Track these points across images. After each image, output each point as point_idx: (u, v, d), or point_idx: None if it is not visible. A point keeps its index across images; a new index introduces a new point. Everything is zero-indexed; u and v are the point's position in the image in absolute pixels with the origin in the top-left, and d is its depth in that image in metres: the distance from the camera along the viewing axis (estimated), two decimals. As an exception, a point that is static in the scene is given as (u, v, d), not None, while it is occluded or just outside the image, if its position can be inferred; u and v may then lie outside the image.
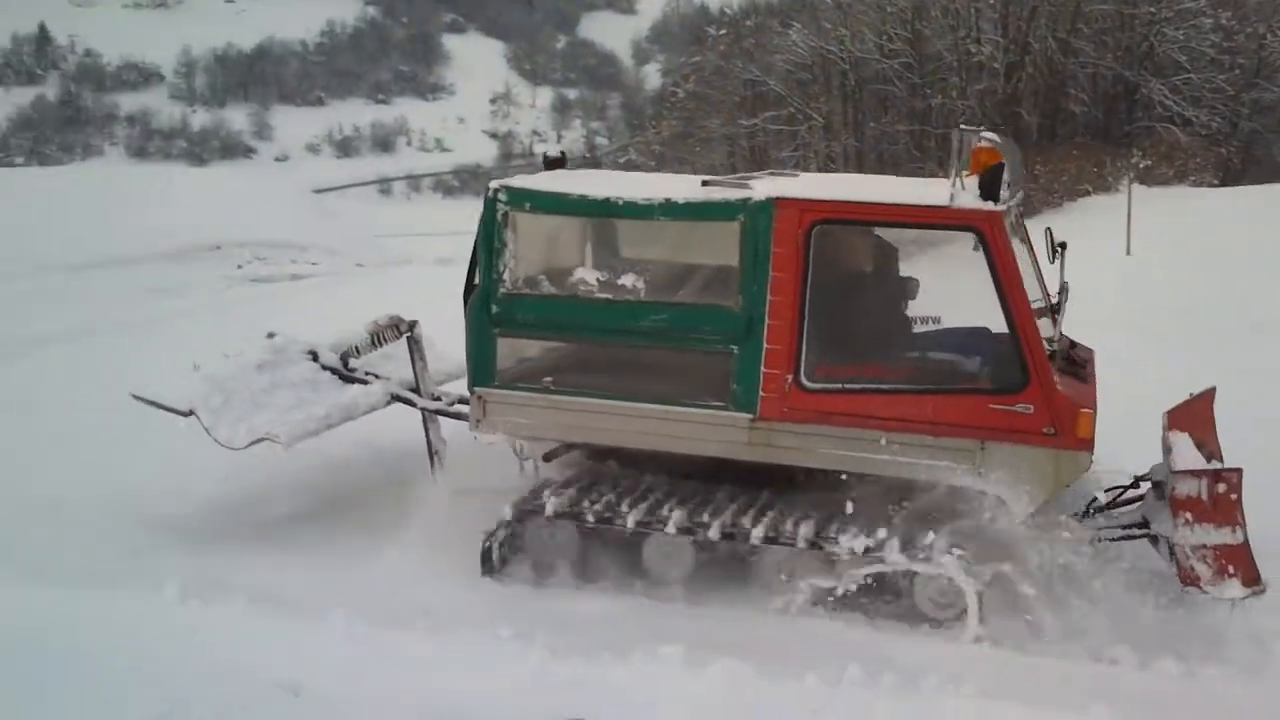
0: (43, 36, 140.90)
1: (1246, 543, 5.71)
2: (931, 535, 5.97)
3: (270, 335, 7.90)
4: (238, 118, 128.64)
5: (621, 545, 6.56)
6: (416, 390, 7.90)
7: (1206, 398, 6.84)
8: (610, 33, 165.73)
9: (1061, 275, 6.66)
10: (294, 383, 7.60)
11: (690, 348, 6.48)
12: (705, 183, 6.72)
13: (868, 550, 5.97)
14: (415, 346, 8.02)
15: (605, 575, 6.54)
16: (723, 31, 45.21)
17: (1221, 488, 5.74)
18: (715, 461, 6.49)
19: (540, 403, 6.70)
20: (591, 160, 59.62)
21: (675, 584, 6.46)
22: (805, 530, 6.10)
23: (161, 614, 5.72)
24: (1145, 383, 8.04)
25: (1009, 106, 29.83)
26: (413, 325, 8.03)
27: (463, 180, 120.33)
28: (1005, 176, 5.85)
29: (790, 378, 6.15)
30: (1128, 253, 16.78)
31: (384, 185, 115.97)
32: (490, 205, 6.69)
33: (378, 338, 8.09)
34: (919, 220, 6.18)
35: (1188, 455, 5.98)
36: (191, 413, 7.04)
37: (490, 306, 6.69)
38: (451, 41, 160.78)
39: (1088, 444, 5.84)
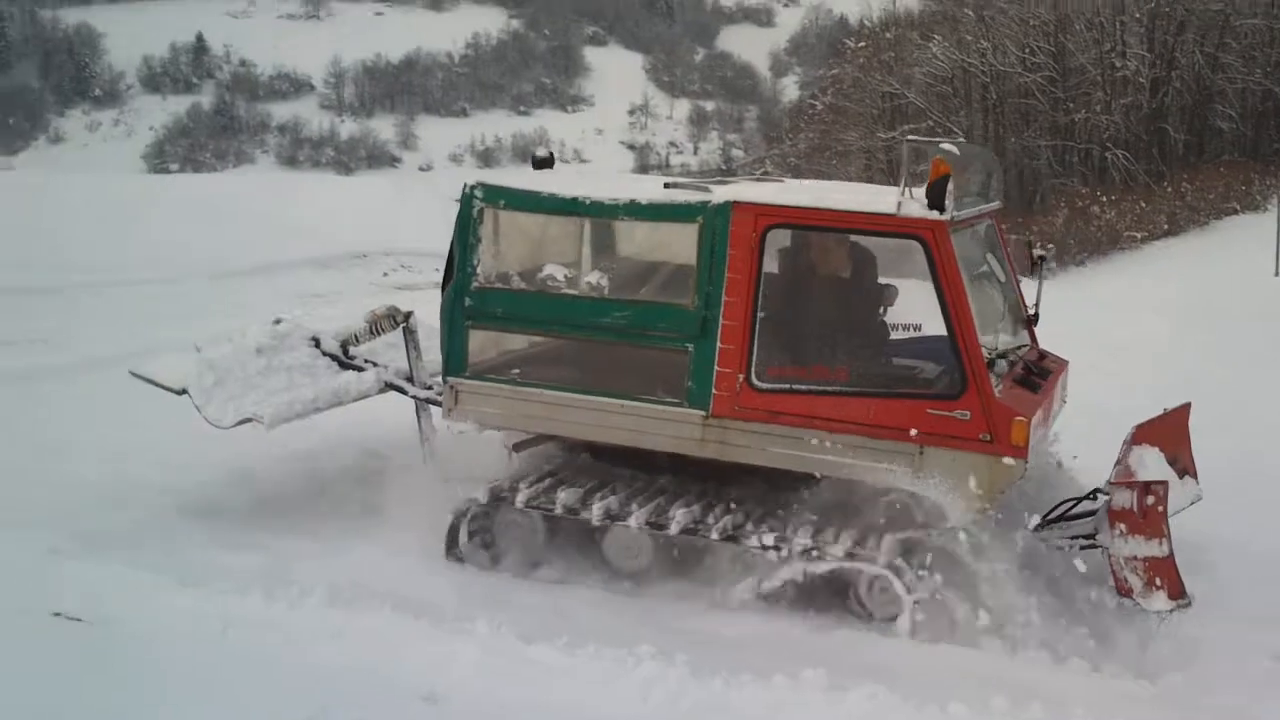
0: (199, 46, 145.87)
1: (1171, 555, 5.79)
2: (849, 534, 6.25)
3: (276, 321, 8.27)
4: (384, 127, 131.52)
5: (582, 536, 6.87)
6: (410, 379, 8.19)
7: (1181, 412, 6.94)
8: (748, 45, 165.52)
9: (1039, 287, 7.00)
10: (289, 367, 7.94)
11: (649, 344, 6.67)
12: (667, 185, 7.00)
13: (805, 549, 6.22)
14: (410, 336, 8.37)
15: (563, 565, 6.87)
16: (862, 44, 44.81)
17: (1150, 500, 5.83)
18: (681, 456, 6.65)
19: (507, 394, 7.01)
20: (727, 172, 59.66)
21: (633, 577, 6.74)
22: (730, 524, 6.42)
23: (309, 618, 5.88)
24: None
25: (1155, 122, 29.18)
26: (408, 316, 8.33)
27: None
28: (950, 187, 5.88)
29: (742, 377, 6.34)
30: (1276, 273, 16.34)
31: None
32: (466, 202, 7.02)
33: (375, 327, 8.41)
34: (866, 226, 6.32)
35: (1136, 467, 6.07)
36: (184, 391, 7.36)
37: (463, 299, 7.03)
38: (592, 54, 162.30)
39: (1022, 451, 5.89)
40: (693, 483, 6.91)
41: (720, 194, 6.52)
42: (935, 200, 5.93)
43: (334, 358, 8.18)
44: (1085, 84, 31.40)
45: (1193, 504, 6.86)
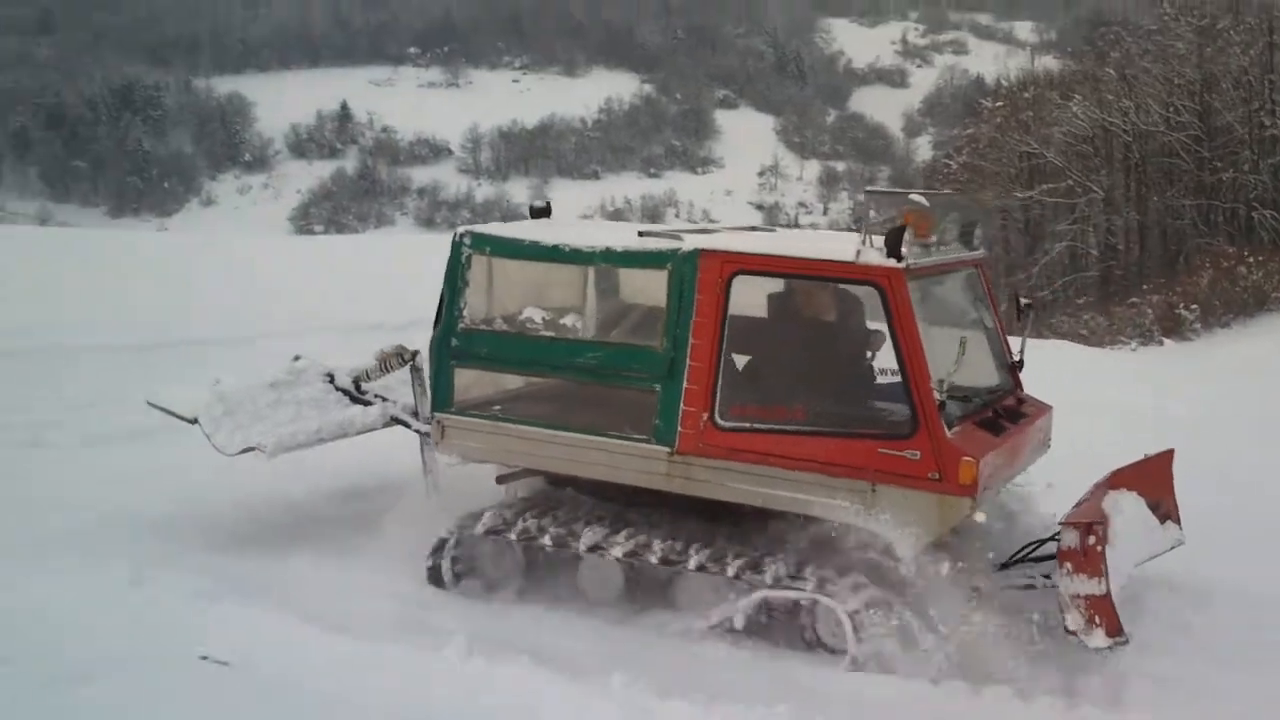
0: (344, 114, 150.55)
1: (1109, 594, 5.88)
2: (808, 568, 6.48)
3: (296, 358, 8.67)
4: (518, 190, 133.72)
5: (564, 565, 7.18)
6: (415, 414, 8.44)
7: (1164, 459, 7.22)
8: (881, 106, 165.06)
9: (1024, 335, 7.43)
10: (300, 400, 8.30)
11: (620, 384, 7.03)
12: (641, 233, 7.27)
13: (749, 579, 6.50)
14: (416, 374, 8.54)
15: (548, 592, 7.13)
16: (999, 104, 44.42)
17: (1091, 539, 5.93)
18: (659, 491, 6.86)
19: (489, 429, 7.38)
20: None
21: (606, 604, 6.99)
22: (701, 559, 6.62)
23: (448, 669, 5.86)
24: None
25: (1305, 181, 28.33)
26: (414, 354, 8.55)
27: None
28: (907, 237, 6.15)
29: (706, 415, 6.60)
30: None
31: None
32: (456, 248, 7.48)
33: (385, 364, 8.72)
34: (826, 273, 6.61)
35: (1109, 510, 6.29)
36: (195, 420, 7.82)
37: (450, 340, 7.45)
38: (723, 116, 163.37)
39: (969, 489, 6.06)
40: (666, 515, 7.09)
41: (690, 242, 6.82)
42: (892, 249, 6.18)
43: (345, 392, 8.53)
44: (1232, 143, 30.64)
45: (1172, 548, 7.04)
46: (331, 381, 8.58)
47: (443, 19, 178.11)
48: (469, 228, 7.66)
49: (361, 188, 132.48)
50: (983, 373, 7.30)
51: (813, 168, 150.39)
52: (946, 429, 6.16)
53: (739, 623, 6.49)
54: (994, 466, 6.35)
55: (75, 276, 21.73)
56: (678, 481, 6.74)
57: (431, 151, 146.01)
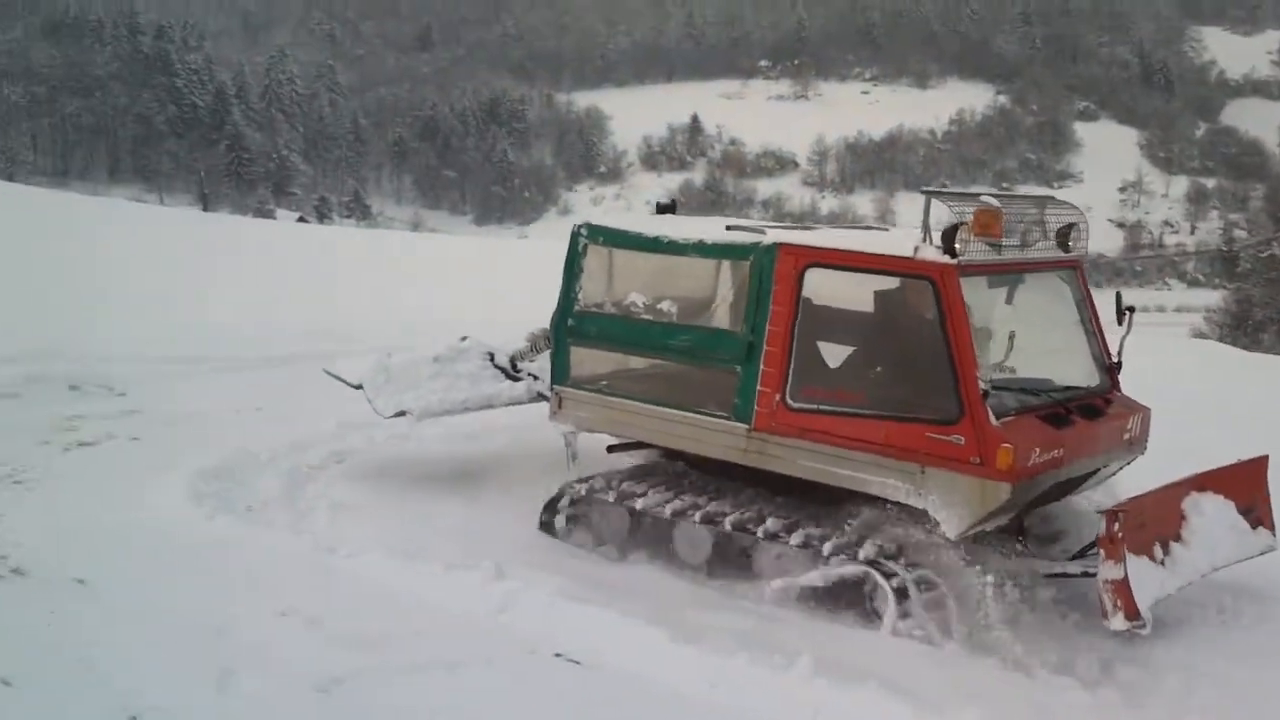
0: (694, 127, 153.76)
1: (1126, 579, 6.18)
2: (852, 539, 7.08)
3: (463, 338, 9.76)
4: (863, 203, 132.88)
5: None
6: None
7: (1259, 464, 7.56)
8: (1257, 119, 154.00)
9: (1125, 335, 7.58)
10: (457, 374, 9.40)
11: (707, 365, 7.80)
12: (729, 227, 7.97)
13: (810, 548, 7.13)
14: None
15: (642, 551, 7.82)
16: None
17: (1115, 526, 6.22)
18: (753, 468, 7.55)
19: (598, 402, 8.29)
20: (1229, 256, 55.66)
21: (698, 566, 7.65)
22: (776, 527, 7.34)
23: (792, 686, 5.89)
24: None
25: None
26: None
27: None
28: (961, 235, 6.62)
29: (779, 396, 7.25)
30: None
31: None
32: (574, 238, 8.49)
33: (535, 344, 9.66)
34: (887, 268, 7.15)
35: (1190, 513, 6.89)
36: (360, 386, 9.08)
37: (567, 320, 8.43)
38: (1083, 129, 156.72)
39: (1007, 475, 6.47)
40: (754, 489, 7.86)
41: (771, 236, 7.50)
42: (946, 246, 6.68)
43: (501, 369, 9.54)
44: None
45: (1262, 554, 7.36)
46: (491, 360, 9.61)
47: (794, 32, 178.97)
48: (586, 221, 8.65)
49: (708, 199, 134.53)
50: (1070, 370, 7.68)
51: (1179, 184, 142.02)
52: (992, 417, 6.56)
53: (796, 592, 7.10)
54: (1044, 457, 6.72)
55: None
56: (753, 456, 7.45)
57: (778, 164, 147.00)
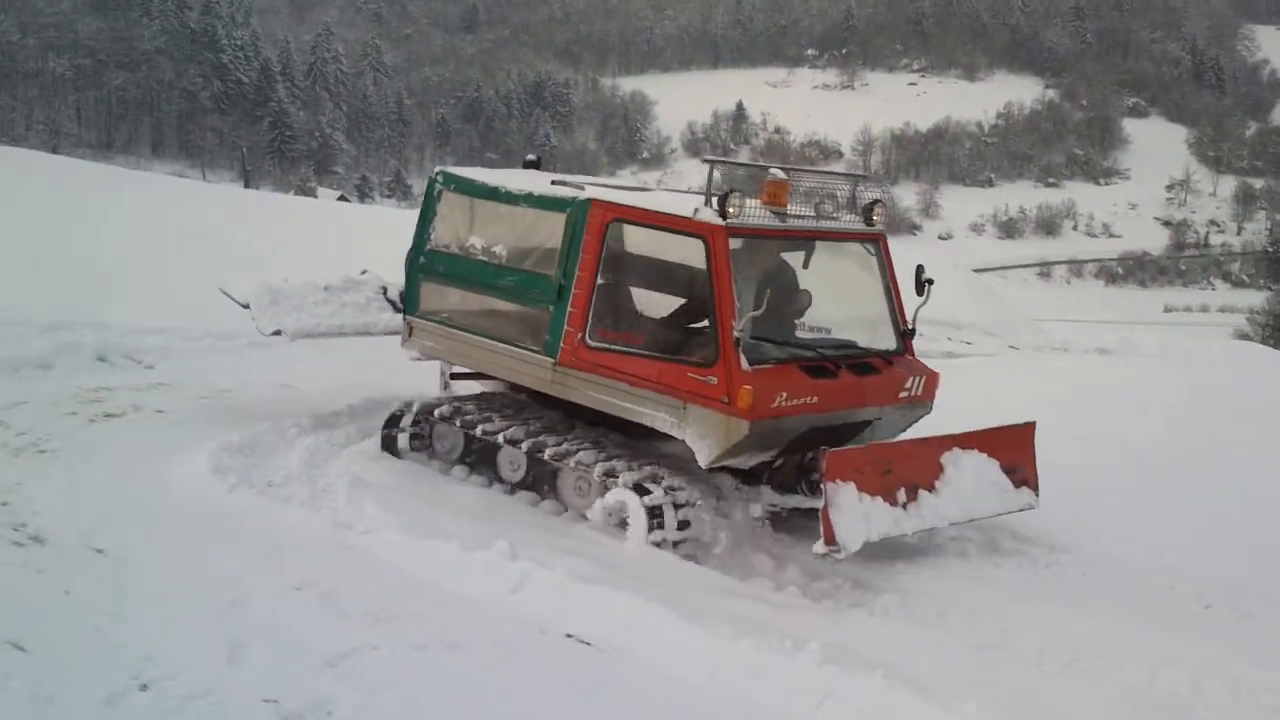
0: (739, 114, 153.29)
1: (826, 510, 7.03)
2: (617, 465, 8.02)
3: (363, 271, 10.75)
4: (907, 195, 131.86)
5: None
6: None
7: (1026, 429, 8.42)
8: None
9: (920, 306, 8.51)
10: (344, 302, 10.29)
11: (527, 304, 8.71)
12: (554, 182, 9.01)
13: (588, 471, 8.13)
14: None
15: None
16: None
17: (823, 464, 7.11)
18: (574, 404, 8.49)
19: (439, 333, 9.40)
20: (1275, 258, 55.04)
21: (515, 485, 8.74)
22: (567, 452, 8.29)
23: (797, 672, 5.89)
24: None
25: None
26: None
27: (1127, 268, 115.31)
28: (736, 200, 7.61)
29: (580, 335, 8.20)
30: None
31: (1044, 268, 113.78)
32: (431, 185, 9.58)
33: None
34: (673, 226, 7.96)
35: (948, 465, 7.80)
36: (246, 305, 9.95)
37: (419, 258, 9.53)
38: (1131, 126, 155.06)
39: (748, 413, 7.32)
40: (574, 420, 8.86)
41: (586, 192, 8.43)
42: (720, 209, 7.61)
43: (392, 302, 10.30)
44: None
45: (1021, 510, 8.28)
46: (384, 293, 10.45)
47: (843, 21, 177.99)
48: (443, 168, 9.72)
49: (751, 188, 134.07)
50: (863, 332, 8.56)
51: (1228, 183, 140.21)
52: (744, 362, 7.40)
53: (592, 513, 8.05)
54: (792, 402, 7.55)
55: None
56: (556, 386, 8.44)
57: (821, 153, 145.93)
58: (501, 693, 5.65)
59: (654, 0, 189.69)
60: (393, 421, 9.34)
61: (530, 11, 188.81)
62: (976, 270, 46.51)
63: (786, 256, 8.51)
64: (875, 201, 8.72)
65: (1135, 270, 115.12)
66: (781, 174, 8.12)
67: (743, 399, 7.31)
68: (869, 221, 8.64)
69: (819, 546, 7.08)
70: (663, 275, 8.64)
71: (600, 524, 7.98)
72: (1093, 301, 76.03)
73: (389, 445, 9.35)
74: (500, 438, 8.64)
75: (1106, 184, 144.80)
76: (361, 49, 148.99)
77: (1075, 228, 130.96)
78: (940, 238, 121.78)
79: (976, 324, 24.26)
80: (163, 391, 10.98)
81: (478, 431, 8.79)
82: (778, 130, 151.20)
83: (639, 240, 8.56)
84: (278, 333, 9.89)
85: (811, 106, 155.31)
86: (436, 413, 9.13)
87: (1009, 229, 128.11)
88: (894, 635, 6.73)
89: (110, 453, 8.90)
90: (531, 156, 10.18)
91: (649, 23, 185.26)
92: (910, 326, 8.64)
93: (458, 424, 8.96)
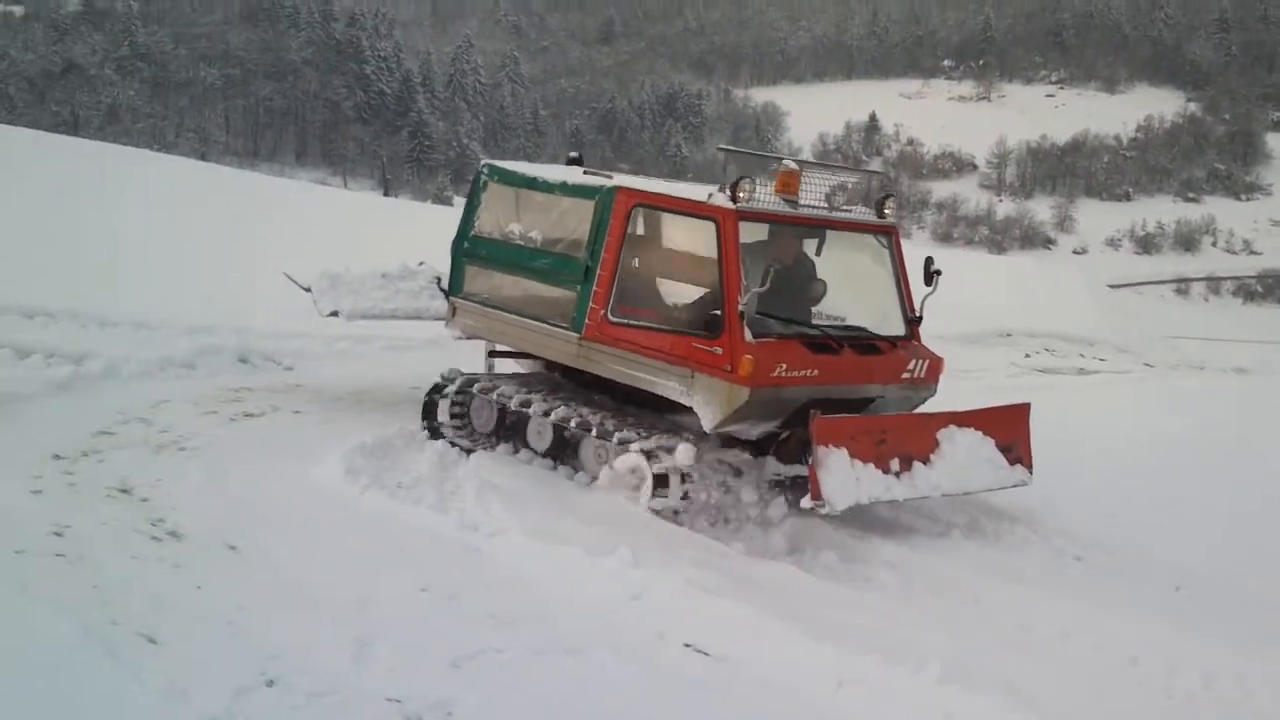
0: (872, 125, 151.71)
1: (814, 468, 7.70)
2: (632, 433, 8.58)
3: (420, 263, 11.43)
4: (1041, 209, 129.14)
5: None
6: None
7: (1021, 409, 9.14)
8: None
9: (927, 294, 9.14)
10: (398, 289, 11.07)
11: (558, 284, 9.28)
12: (585, 171, 9.90)
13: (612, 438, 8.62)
14: None
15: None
16: None
17: (812, 427, 7.76)
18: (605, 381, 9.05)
19: (479, 312, 10.09)
20: None
21: (544, 453, 9.43)
22: (588, 422, 8.82)
23: (921, 690, 5.82)
24: None
25: None
26: None
27: (1267, 286, 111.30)
28: (747, 187, 8.25)
29: (603, 312, 8.80)
30: None
31: (1181, 285, 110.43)
32: (477, 176, 10.36)
33: None
34: (689, 210, 8.67)
35: (944, 442, 8.43)
36: (309, 289, 10.82)
37: (464, 243, 10.25)
38: (1275, 140, 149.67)
39: (748, 380, 7.93)
40: (601, 396, 9.43)
41: (615, 180, 9.10)
42: (732, 195, 8.25)
43: (443, 291, 10.64)
44: None
45: (1015, 486, 8.86)
46: (438, 283, 10.88)
47: (980, 32, 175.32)
48: (488, 161, 10.45)
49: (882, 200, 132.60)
50: (873, 317, 9.15)
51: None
52: (748, 334, 8.03)
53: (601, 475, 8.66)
54: (792, 373, 8.14)
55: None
56: (581, 360, 9.05)
57: (955, 165, 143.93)
58: (621, 700, 5.68)
59: (789, 11, 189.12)
60: (436, 389, 9.92)
61: (666, 24, 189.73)
62: (1112, 286, 45.39)
63: (810, 248, 9.20)
64: (887, 196, 9.35)
65: (1275, 288, 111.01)
66: (794, 164, 8.72)
67: (744, 367, 7.93)
68: (880, 214, 9.27)
69: (806, 501, 7.77)
70: (679, 256, 9.38)
71: (608, 487, 8.55)
72: (1230, 319, 73.58)
73: (429, 412, 9.92)
74: (530, 410, 9.22)
75: (1248, 199, 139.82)
76: (500, 60, 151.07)
77: (1214, 244, 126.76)
78: (1075, 252, 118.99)
79: (1110, 341, 23.73)
80: (300, 393, 11.28)
81: (511, 404, 9.36)
82: (911, 142, 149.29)
83: (660, 225, 9.54)
84: (335, 313, 10.74)
85: (946, 118, 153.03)
86: (476, 386, 9.71)
87: (1146, 244, 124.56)
88: (1020, 651, 6.64)
89: (248, 452, 9.19)
90: (574, 154, 10.80)
91: (783, 33, 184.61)
92: (918, 314, 9.27)
93: (493, 396, 9.53)
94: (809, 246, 9.15)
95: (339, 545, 7.35)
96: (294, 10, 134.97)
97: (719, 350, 8.11)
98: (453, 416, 9.85)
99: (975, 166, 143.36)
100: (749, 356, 7.92)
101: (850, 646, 6.20)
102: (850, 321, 9.11)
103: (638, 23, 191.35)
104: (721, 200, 8.32)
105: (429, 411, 9.92)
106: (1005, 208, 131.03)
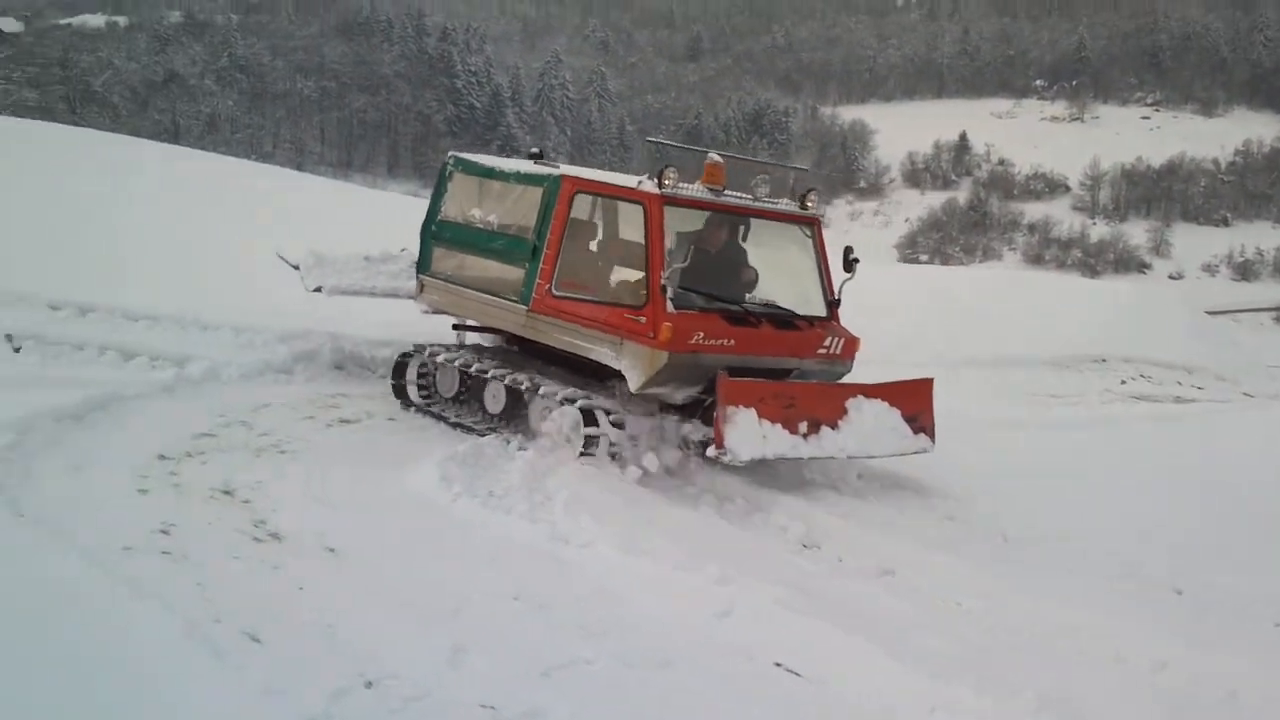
0: (962, 145, 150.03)
1: (718, 420, 8.77)
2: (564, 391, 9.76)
3: (402, 250, 12.32)
4: (1136, 232, 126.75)
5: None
6: None
7: (925, 383, 10.13)
8: None
9: (847, 278, 10.32)
10: (379, 270, 12.19)
11: (510, 262, 10.42)
12: (534, 160, 11.07)
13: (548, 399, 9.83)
14: None
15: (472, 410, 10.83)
16: None
17: (718, 386, 8.85)
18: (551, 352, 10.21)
19: (443, 288, 11.31)
20: None
21: (499, 415, 10.49)
22: (534, 385, 9.99)
23: None
24: None
25: None
26: None
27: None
28: (673, 176, 9.30)
29: (548, 286, 9.95)
30: None
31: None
32: (443, 166, 11.68)
33: None
34: (621, 195, 9.87)
35: (852, 411, 9.46)
36: (297, 266, 12.05)
37: (431, 226, 11.52)
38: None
39: (666, 345, 8.96)
40: (548, 364, 10.47)
41: (561, 170, 10.29)
42: (658, 182, 9.29)
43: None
44: None
45: (917, 453, 9.89)
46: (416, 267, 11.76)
47: (1074, 52, 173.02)
48: (455, 153, 11.75)
49: (971, 220, 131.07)
50: (788, 297, 10.19)
51: None
52: (670, 306, 9.07)
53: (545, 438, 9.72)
54: (708, 341, 9.13)
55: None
56: (529, 330, 10.17)
57: (1047, 187, 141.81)
58: (711, 716, 5.70)
59: (878, 30, 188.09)
60: (404, 358, 11.23)
61: (754, 40, 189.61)
62: (1210, 312, 44.48)
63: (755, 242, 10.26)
64: (809, 190, 10.44)
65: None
66: (718, 157, 9.87)
67: (663, 334, 8.93)
68: (803, 206, 10.32)
69: (711, 450, 8.81)
70: (613, 238, 10.64)
71: (549, 439, 9.62)
72: (1335, 350, 71.69)
73: (399, 374, 11.21)
74: (487, 374, 10.35)
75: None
76: (588, 76, 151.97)
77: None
78: (1171, 277, 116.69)
79: (1208, 368, 23.22)
80: (393, 400, 11.43)
81: (471, 370, 10.51)
82: (1002, 162, 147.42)
83: (598, 210, 10.63)
84: (319, 289, 11.87)
85: (1038, 139, 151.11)
86: (440, 356, 10.84)
87: (1245, 270, 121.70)
88: (1119, 686, 6.51)
89: (345, 457, 9.35)
90: (535, 149, 11.69)
91: (872, 52, 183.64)
92: (836, 297, 10.36)
93: (456, 364, 10.65)
94: (750, 239, 10.21)
95: (433, 551, 7.44)
96: (388, 25, 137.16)
97: (643, 320, 9.12)
98: (419, 381, 11.16)
99: (1068, 188, 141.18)
100: (668, 324, 8.95)
101: (941, 671, 6.16)
102: (778, 303, 10.11)
103: (725, 39, 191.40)
104: (649, 186, 9.38)
105: (398, 374, 11.22)
106: (1099, 230, 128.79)
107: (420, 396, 11.14)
